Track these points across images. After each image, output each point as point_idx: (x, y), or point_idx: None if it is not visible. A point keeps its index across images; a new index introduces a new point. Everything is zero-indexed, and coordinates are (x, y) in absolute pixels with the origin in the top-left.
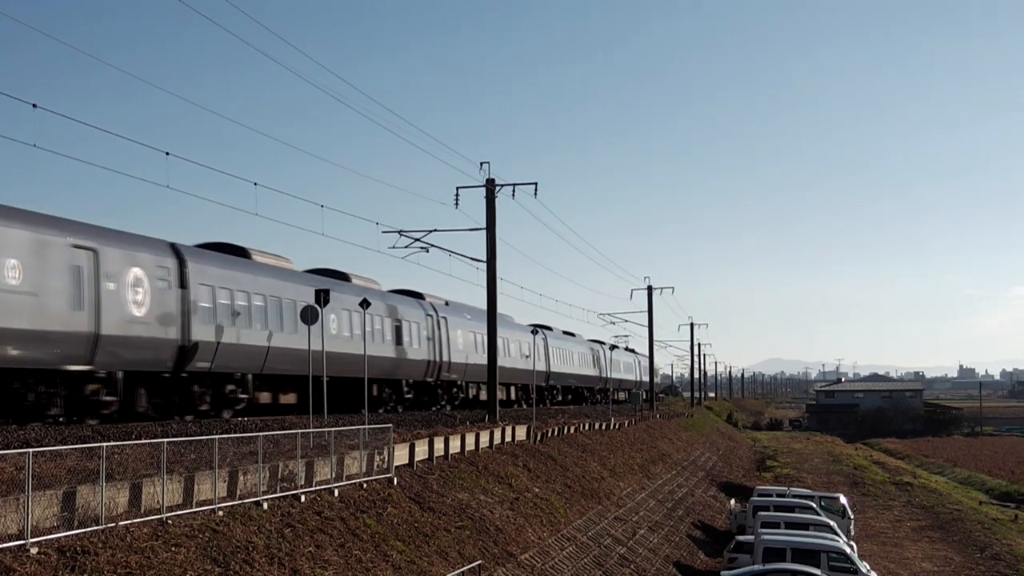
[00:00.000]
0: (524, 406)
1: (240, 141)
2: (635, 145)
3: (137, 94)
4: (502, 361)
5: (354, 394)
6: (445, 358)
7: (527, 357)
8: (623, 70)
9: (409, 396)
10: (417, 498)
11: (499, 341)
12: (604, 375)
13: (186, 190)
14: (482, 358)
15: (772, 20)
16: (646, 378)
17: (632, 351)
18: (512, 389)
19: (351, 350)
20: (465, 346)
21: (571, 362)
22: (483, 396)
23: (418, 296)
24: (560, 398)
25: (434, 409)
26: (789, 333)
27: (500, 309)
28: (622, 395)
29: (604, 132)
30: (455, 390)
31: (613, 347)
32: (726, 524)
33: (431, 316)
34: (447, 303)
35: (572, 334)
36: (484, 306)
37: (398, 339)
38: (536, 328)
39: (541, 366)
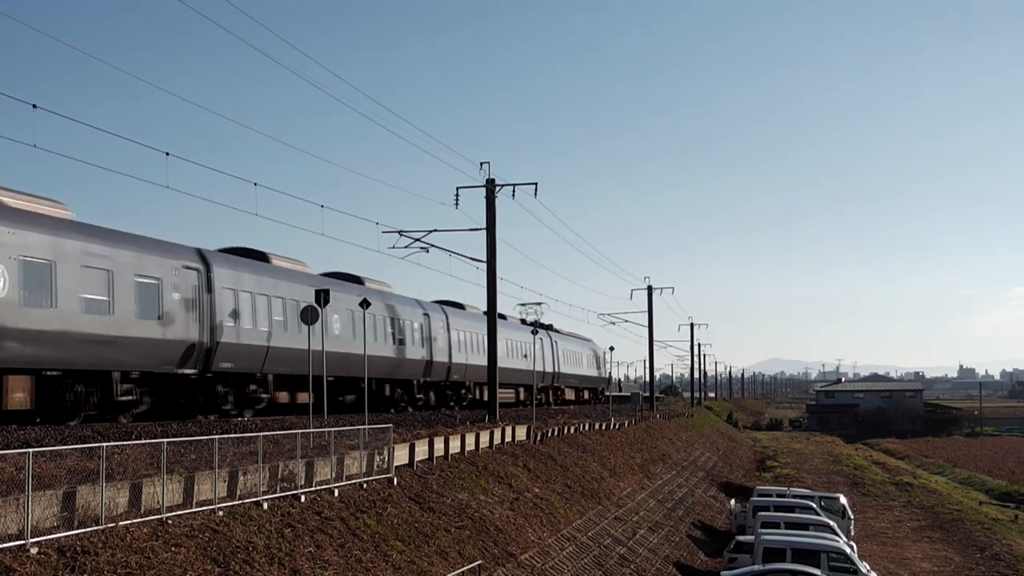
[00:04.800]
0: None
1: (240, 141)
2: (635, 145)
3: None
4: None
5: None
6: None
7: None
8: (623, 70)
9: (128, 399)
10: (417, 498)
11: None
12: (438, 359)
13: (186, 190)
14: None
15: (771, 20)
16: (580, 371)
17: (547, 327)
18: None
19: None
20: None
21: (377, 336)
22: (268, 396)
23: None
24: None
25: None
26: (789, 333)
27: (500, 308)
28: (509, 394)
29: (604, 132)
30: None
31: (505, 317)
32: (726, 524)
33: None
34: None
35: (388, 293)
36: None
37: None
38: (337, 279)
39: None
